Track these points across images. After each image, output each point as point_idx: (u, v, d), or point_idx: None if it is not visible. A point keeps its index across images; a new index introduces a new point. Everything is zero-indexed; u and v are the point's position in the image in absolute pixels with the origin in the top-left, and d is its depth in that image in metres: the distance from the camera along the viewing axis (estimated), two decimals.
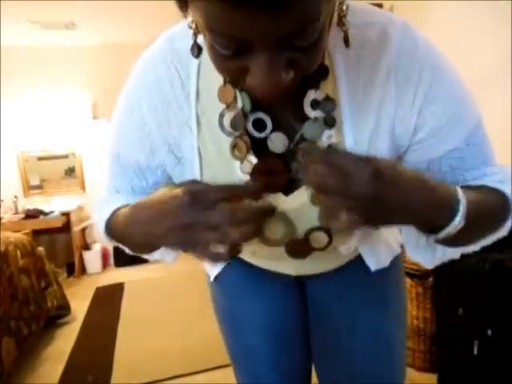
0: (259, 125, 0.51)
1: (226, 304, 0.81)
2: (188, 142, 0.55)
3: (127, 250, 0.66)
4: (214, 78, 0.51)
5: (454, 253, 0.55)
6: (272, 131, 0.51)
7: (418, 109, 0.50)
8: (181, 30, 0.55)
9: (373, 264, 0.71)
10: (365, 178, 0.37)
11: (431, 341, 1.78)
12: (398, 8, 2.51)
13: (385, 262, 0.73)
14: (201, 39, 0.48)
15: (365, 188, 0.37)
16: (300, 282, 0.78)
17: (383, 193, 0.38)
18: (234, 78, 0.43)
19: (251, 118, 0.51)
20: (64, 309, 2.67)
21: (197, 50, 0.48)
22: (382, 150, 0.52)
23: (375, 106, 0.51)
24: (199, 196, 0.41)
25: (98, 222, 0.62)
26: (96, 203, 0.65)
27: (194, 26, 0.46)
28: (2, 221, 3.36)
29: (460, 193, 0.45)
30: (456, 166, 0.53)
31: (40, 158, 4.01)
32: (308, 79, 0.48)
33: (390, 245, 0.73)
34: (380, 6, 2.47)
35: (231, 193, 0.41)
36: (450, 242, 0.50)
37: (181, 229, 0.41)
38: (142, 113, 0.54)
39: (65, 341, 2.40)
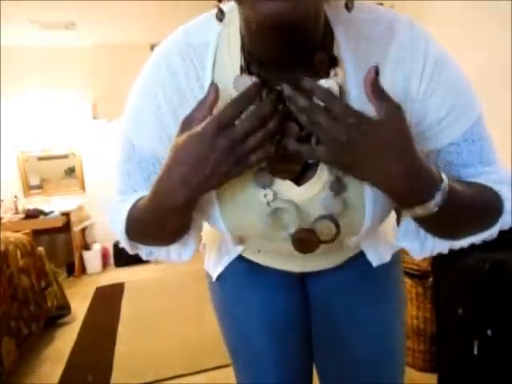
0: None
1: (227, 303, 0.81)
2: None
3: (145, 253, 0.64)
4: (229, 70, 0.52)
5: (443, 246, 0.56)
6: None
7: (420, 101, 0.51)
8: (196, 24, 0.56)
9: (375, 260, 0.72)
10: (343, 128, 0.42)
11: (431, 341, 1.78)
12: (399, 8, 2.51)
13: (385, 257, 0.73)
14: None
15: (339, 136, 0.43)
16: (302, 279, 0.78)
17: (354, 152, 0.44)
18: None
19: None
20: (64, 309, 2.67)
21: (221, 14, 0.50)
22: None
23: None
24: (223, 119, 0.44)
25: (115, 223, 0.61)
26: (109, 208, 0.64)
27: None
28: (2, 221, 3.36)
29: (444, 177, 0.47)
30: (452, 161, 0.54)
31: (40, 158, 4.01)
32: (318, 68, 0.49)
33: (389, 240, 0.74)
34: (380, 5, 2.47)
35: (246, 102, 0.45)
36: (431, 225, 0.52)
37: (227, 154, 0.45)
38: (158, 102, 0.54)
39: (65, 341, 2.40)
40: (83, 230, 4.05)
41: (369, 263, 0.72)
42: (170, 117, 0.54)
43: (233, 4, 0.50)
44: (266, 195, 0.53)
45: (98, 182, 3.95)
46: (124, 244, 0.62)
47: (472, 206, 0.51)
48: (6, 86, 3.77)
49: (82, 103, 4.01)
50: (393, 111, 0.44)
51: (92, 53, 4.00)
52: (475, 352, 1.43)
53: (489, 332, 1.37)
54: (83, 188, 4.12)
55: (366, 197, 0.53)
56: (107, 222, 0.63)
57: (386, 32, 0.51)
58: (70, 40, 3.81)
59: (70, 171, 4.10)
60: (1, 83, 3.73)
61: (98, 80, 4.01)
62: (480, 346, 1.41)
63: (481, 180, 0.54)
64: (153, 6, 3.09)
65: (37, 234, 3.35)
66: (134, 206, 0.59)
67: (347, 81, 0.50)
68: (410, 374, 1.78)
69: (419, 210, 0.47)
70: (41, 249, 2.66)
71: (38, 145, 3.94)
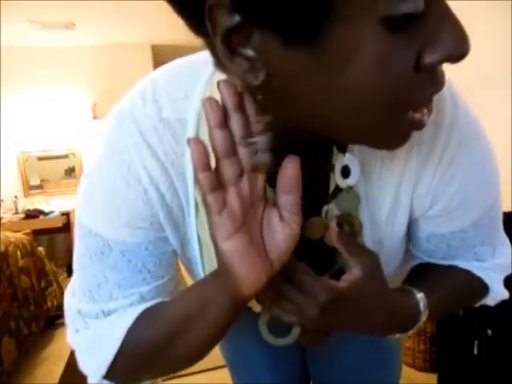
0: None
1: None
2: (186, 225, 0.46)
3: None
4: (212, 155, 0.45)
5: None
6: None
7: (434, 188, 0.45)
8: (167, 92, 0.43)
9: None
10: (315, 306, 0.39)
11: (431, 341, 1.78)
12: None
13: None
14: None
15: (312, 314, 0.39)
16: None
17: (330, 320, 0.41)
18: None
19: None
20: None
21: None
22: (398, 225, 0.48)
23: (394, 183, 0.45)
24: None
25: (94, 350, 0.46)
26: (75, 327, 0.49)
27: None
28: (2, 221, 3.36)
29: (422, 305, 0.45)
30: (454, 245, 0.50)
31: (40, 158, 4.01)
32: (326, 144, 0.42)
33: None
34: None
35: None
36: None
37: None
38: (144, 186, 0.43)
39: (65, 341, 2.38)
40: None
41: None
42: (156, 201, 0.43)
43: (210, 75, 0.42)
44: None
45: None
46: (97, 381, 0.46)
47: (453, 302, 0.52)
48: (6, 85, 3.77)
49: (81, 103, 4.01)
50: (369, 267, 0.40)
51: (92, 53, 4.00)
52: (475, 352, 1.43)
53: (489, 332, 1.37)
54: None
55: None
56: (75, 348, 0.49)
57: None
58: (69, 40, 3.80)
59: (70, 171, 4.10)
60: (1, 83, 3.72)
61: (97, 80, 4.00)
62: (480, 345, 1.41)
63: (473, 268, 0.51)
64: (153, 6, 3.09)
65: (37, 233, 3.35)
66: (142, 319, 0.44)
67: (353, 161, 0.44)
68: (410, 374, 1.78)
69: (400, 336, 0.47)
70: (41, 249, 2.66)
71: (37, 145, 3.94)
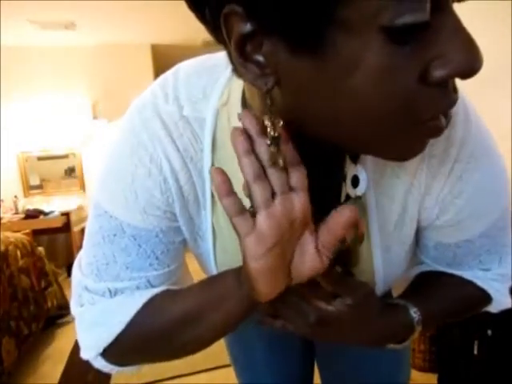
0: None
1: None
2: (201, 218, 0.48)
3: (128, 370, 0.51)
4: (230, 152, 0.42)
5: None
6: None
7: (442, 200, 0.46)
8: (185, 90, 0.45)
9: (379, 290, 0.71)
10: (306, 324, 0.43)
11: (431, 341, 1.78)
12: None
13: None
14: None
15: (304, 330, 0.44)
16: None
17: (322, 334, 0.45)
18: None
19: None
20: (64, 309, 2.67)
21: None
22: (406, 233, 0.49)
23: (403, 192, 0.46)
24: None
25: (98, 326, 0.46)
26: (80, 299, 0.48)
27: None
28: (2, 221, 3.36)
29: (415, 322, 0.47)
30: (460, 253, 0.51)
31: (40, 158, 4.01)
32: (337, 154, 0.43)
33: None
34: None
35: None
36: None
37: None
38: (164, 174, 0.45)
39: (65, 341, 2.40)
40: (83, 230, 4.03)
41: None
42: (174, 191, 0.45)
43: (228, 78, 0.44)
44: None
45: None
46: (99, 360, 0.48)
47: (450, 314, 0.53)
48: (5, 86, 3.77)
49: (82, 103, 4.01)
50: (359, 299, 0.43)
51: (92, 53, 4.00)
52: (475, 352, 1.43)
53: (489, 332, 1.37)
54: (83, 188, 4.11)
55: (375, 276, 0.51)
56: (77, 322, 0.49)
57: None
58: (69, 40, 3.81)
59: (70, 171, 4.10)
60: (1, 83, 3.73)
61: (98, 80, 4.01)
62: (480, 345, 1.41)
63: (477, 279, 0.51)
64: (153, 6, 3.09)
65: (37, 233, 3.35)
66: (153, 303, 0.45)
67: (362, 167, 0.45)
68: (410, 373, 1.78)
69: (394, 346, 0.49)
70: (41, 249, 2.66)
71: (38, 145, 3.94)
